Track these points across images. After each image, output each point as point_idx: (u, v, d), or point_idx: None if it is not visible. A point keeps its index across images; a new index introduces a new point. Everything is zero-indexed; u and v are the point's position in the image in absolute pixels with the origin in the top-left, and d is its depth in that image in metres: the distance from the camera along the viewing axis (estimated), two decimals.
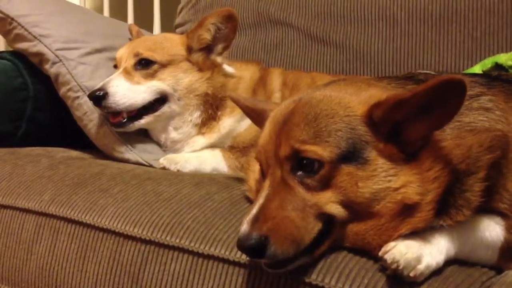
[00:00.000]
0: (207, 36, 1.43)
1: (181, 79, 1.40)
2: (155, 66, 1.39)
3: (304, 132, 0.77)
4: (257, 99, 1.05)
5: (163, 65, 1.40)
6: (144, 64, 1.39)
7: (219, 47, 1.45)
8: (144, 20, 2.72)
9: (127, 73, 1.38)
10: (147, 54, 1.39)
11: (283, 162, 0.78)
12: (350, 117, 0.77)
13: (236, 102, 1.07)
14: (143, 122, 1.39)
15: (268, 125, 0.84)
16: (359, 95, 0.80)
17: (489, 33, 1.63)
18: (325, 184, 0.76)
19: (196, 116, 1.42)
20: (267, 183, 0.79)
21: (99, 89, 1.33)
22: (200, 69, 1.43)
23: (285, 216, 0.75)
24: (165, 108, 1.40)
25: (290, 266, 0.78)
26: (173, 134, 1.43)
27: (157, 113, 1.40)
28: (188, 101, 1.41)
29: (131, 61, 1.40)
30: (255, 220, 0.75)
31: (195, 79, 1.41)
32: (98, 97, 1.32)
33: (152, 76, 1.39)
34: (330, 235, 0.79)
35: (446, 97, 0.72)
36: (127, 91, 1.35)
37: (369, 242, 0.78)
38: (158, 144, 1.47)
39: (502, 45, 1.61)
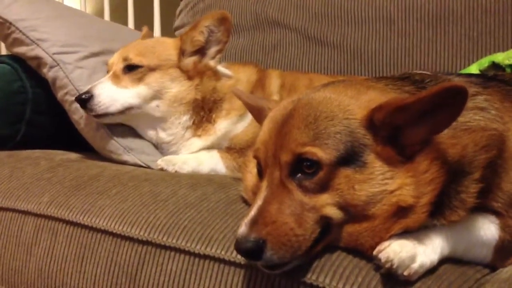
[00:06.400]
0: (200, 38, 1.42)
1: (167, 88, 1.39)
2: (143, 70, 1.38)
3: (304, 134, 0.77)
4: (258, 96, 1.05)
5: (151, 69, 1.39)
6: (132, 68, 1.39)
7: (212, 50, 1.43)
8: (144, 24, 2.73)
9: (115, 77, 1.39)
10: (135, 60, 1.39)
11: (283, 165, 0.78)
12: (349, 120, 0.77)
13: (239, 97, 1.07)
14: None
15: (267, 125, 0.83)
16: (358, 98, 0.80)
17: (485, 33, 1.63)
18: (323, 187, 0.76)
19: (185, 119, 1.41)
20: (264, 183, 0.79)
21: (86, 92, 1.35)
22: (189, 77, 1.41)
23: (283, 221, 0.75)
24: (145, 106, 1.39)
25: (286, 267, 0.78)
26: (162, 135, 1.43)
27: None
28: (173, 109, 1.40)
29: (120, 65, 1.40)
30: (254, 222, 0.75)
31: (183, 89, 1.40)
32: (84, 100, 1.34)
33: (139, 80, 1.38)
34: (326, 237, 0.79)
35: (447, 103, 0.72)
36: (113, 94, 1.35)
37: (362, 243, 0.78)
38: (155, 145, 1.47)
39: (498, 44, 1.61)
